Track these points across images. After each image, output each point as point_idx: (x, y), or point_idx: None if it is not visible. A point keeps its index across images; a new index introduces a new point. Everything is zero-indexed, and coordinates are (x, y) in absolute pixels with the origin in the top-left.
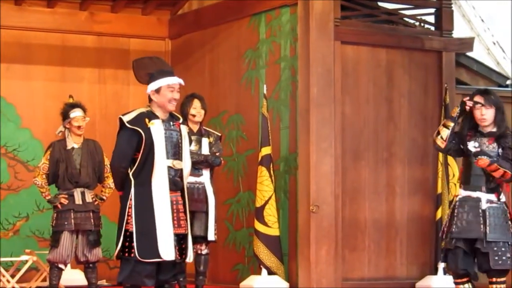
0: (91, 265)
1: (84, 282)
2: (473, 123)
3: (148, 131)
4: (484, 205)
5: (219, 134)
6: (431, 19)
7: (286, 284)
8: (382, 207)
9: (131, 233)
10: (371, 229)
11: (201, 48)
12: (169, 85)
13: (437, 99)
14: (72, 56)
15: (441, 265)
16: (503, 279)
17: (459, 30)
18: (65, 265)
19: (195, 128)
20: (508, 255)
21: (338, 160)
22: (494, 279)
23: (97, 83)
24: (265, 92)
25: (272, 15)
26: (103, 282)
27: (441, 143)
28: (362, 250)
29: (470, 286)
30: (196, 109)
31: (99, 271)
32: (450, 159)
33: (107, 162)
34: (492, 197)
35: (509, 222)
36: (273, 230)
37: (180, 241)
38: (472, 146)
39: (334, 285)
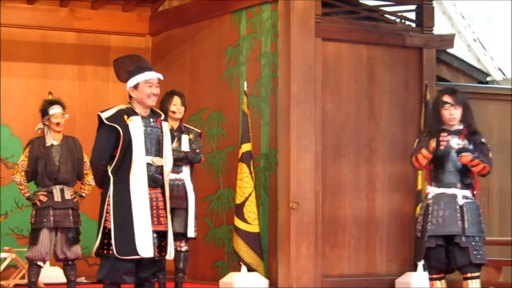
0: (70, 262)
1: (63, 279)
2: (440, 122)
3: (126, 128)
4: (460, 201)
5: (199, 131)
6: (412, 16)
7: (266, 281)
8: (362, 204)
9: (110, 230)
10: (351, 225)
11: (182, 45)
12: (146, 80)
13: (417, 95)
14: (52, 52)
15: (421, 262)
16: (478, 273)
17: (440, 27)
18: (44, 263)
19: (175, 125)
20: (483, 249)
21: (319, 157)
22: (469, 274)
23: (77, 80)
24: (245, 88)
25: (253, 11)
26: (82, 279)
27: (418, 167)
28: (342, 247)
29: (444, 283)
30: (176, 106)
31: (78, 269)
32: None
33: (86, 159)
34: (468, 193)
35: (481, 218)
36: (253, 227)
37: (160, 238)
38: (455, 143)
39: (314, 282)
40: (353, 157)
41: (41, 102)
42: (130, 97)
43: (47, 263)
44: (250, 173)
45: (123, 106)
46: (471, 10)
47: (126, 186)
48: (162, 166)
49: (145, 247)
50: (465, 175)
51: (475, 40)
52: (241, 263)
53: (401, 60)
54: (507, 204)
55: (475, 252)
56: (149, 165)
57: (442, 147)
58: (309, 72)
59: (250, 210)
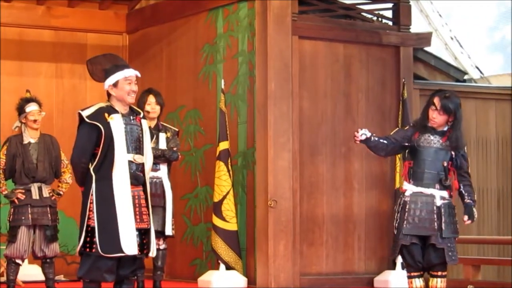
0: (48, 260)
1: (42, 277)
2: (426, 118)
3: (107, 125)
4: (438, 202)
5: (177, 129)
6: (389, 14)
7: (244, 279)
8: (340, 202)
9: (93, 228)
10: (329, 224)
11: (159, 43)
12: (126, 77)
13: (394, 93)
14: (29, 50)
15: (399, 260)
16: (446, 272)
17: (417, 25)
18: (23, 260)
19: (152, 123)
20: (456, 250)
21: (296, 155)
22: (439, 273)
23: (54, 78)
24: (222, 86)
25: (229, 9)
26: (60, 277)
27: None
28: (320, 245)
29: (423, 281)
30: (150, 105)
31: (56, 266)
32: None
33: (63, 157)
34: (445, 194)
35: (456, 218)
36: (231, 225)
37: (142, 236)
38: (438, 143)
39: (292, 280)
40: (330, 155)
41: (18, 100)
42: (109, 95)
43: (26, 261)
44: (228, 171)
45: (102, 104)
46: (448, 8)
47: (109, 184)
48: (143, 164)
49: (129, 244)
50: (445, 177)
51: (452, 38)
52: (219, 261)
53: (378, 58)
54: (485, 201)
55: (450, 253)
56: (130, 162)
57: (357, 142)
58: (286, 70)
59: (228, 208)
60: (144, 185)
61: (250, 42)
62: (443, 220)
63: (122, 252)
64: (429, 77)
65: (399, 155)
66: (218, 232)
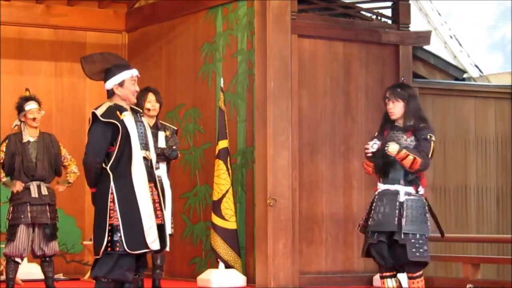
0: (47, 259)
1: (41, 276)
2: (387, 116)
3: (122, 123)
4: (402, 198)
5: (176, 128)
6: (388, 12)
7: (244, 278)
8: (339, 201)
9: (114, 227)
10: (328, 222)
11: (158, 42)
12: (132, 77)
13: None
14: (29, 49)
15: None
16: (419, 273)
17: (416, 24)
18: (22, 259)
19: (151, 122)
20: (426, 247)
21: (295, 154)
22: (410, 274)
23: (53, 76)
24: (222, 85)
25: (229, 8)
26: (60, 275)
27: (368, 173)
28: (319, 244)
29: (396, 281)
30: (150, 103)
31: (55, 265)
32: None
33: (65, 152)
34: (411, 189)
35: (427, 215)
36: (230, 223)
37: (159, 231)
38: (403, 140)
39: (291, 279)
40: (329, 153)
41: (17, 98)
42: (111, 94)
43: (25, 259)
44: (227, 169)
45: (110, 103)
46: (448, 7)
47: (129, 181)
48: (151, 160)
49: (153, 240)
50: (408, 172)
51: (451, 37)
52: (218, 259)
53: (377, 57)
54: (484, 200)
55: (413, 250)
56: (144, 159)
57: (369, 154)
58: (285, 69)
59: (227, 207)
60: (155, 181)
61: (250, 40)
62: (404, 215)
63: (148, 248)
64: (429, 75)
65: None
66: (218, 231)
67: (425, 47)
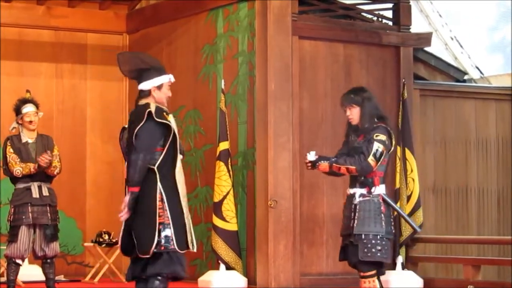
0: (49, 260)
1: (42, 277)
2: (349, 122)
3: (170, 124)
4: (356, 200)
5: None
6: (389, 14)
7: (244, 279)
8: (340, 202)
9: (164, 226)
10: (329, 224)
11: (159, 43)
12: (170, 81)
13: (395, 94)
14: (29, 50)
15: (399, 260)
16: (371, 272)
17: (417, 25)
18: (23, 260)
19: None
20: (379, 247)
21: (296, 155)
22: (361, 273)
23: (54, 78)
24: (223, 87)
25: (229, 10)
26: (61, 277)
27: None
28: (320, 245)
29: (378, 282)
30: None
31: (56, 267)
32: (408, 154)
33: (57, 151)
34: (364, 191)
35: (382, 215)
36: (231, 225)
37: None
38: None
39: (292, 280)
40: (330, 155)
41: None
42: (145, 96)
43: (26, 261)
44: (228, 171)
45: (154, 104)
46: (448, 8)
47: (173, 182)
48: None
49: (193, 241)
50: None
51: (452, 39)
52: (219, 261)
53: (378, 59)
54: (485, 202)
55: (365, 250)
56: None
57: (308, 166)
58: (286, 70)
59: (228, 208)
60: None
61: (250, 42)
62: (356, 216)
63: (188, 248)
64: (429, 77)
65: (399, 155)
66: (218, 232)
67: (426, 48)
